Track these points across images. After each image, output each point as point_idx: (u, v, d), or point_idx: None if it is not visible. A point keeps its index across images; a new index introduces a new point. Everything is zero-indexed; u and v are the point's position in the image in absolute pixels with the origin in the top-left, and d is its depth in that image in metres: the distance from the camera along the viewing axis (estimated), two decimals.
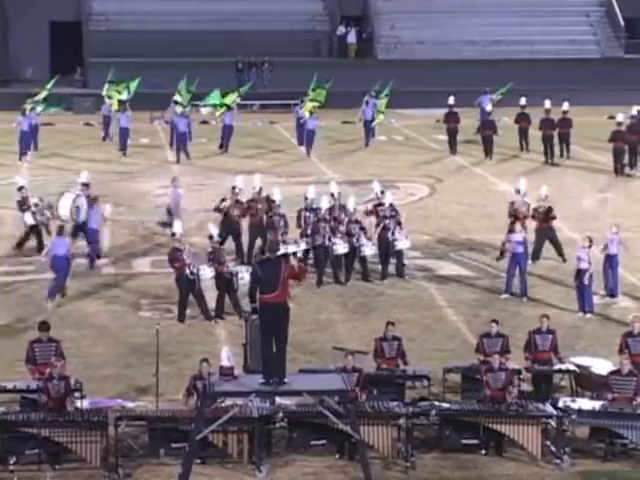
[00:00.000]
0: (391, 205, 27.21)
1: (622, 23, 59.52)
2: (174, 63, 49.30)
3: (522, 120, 40.46)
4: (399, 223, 26.80)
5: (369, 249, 26.47)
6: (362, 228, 26.55)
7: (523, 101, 41.00)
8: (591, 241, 24.46)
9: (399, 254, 26.76)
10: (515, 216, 27.07)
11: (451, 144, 40.67)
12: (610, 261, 24.84)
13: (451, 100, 40.95)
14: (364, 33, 59.23)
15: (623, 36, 59.37)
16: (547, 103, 39.57)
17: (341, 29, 59.20)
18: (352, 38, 58.98)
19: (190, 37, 53.63)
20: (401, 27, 57.53)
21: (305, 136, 40.97)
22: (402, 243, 26.69)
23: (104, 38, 55.14)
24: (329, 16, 59.37)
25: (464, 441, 18.01)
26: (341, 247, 26.21)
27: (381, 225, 26.66)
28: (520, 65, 49.89)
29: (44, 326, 19.69)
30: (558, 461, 17.61)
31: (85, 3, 57.82)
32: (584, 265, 24.16)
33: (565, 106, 39.66)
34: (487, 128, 40.14)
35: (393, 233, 26.50)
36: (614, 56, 57.75)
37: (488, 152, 39.75)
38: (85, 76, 53.97)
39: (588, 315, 24.04)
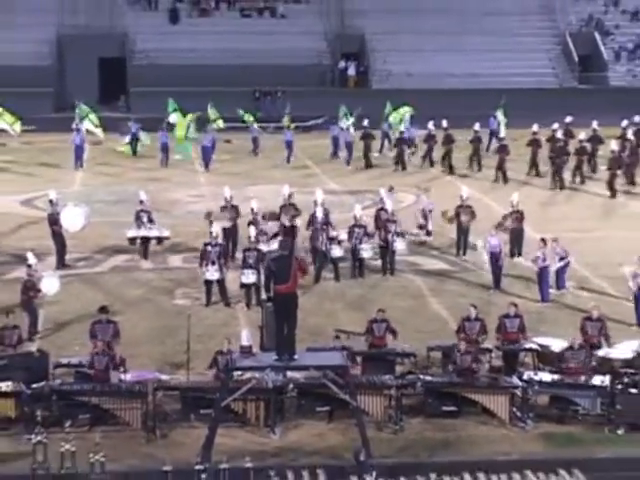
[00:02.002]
0: (392, 211, 27.01)
1: (576, 59, 59.59)
2: (202, 92, 49.24)
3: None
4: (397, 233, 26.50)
5: (367, 252, 26.22)
6: (367, 233, 26.25)
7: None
8: (545, 242, 24.54)
9: (393, 253, 26.50)
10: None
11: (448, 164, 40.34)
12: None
13: (444, 123, 40.87)
14: (361, 67, 59.21)
15: (577, 70, 59.44)
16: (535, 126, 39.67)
17: (342, 63, 59.19)
18: (352, 71, 58.99)
19: (215, 70, 53.66)
20: (392, 62, 57.52)
21: (346, 147, 41.46)
22: (399, 244, 26.45)
23: (144, 71, 55.18)
24: (331, 53, 59.37)
25: (444, 408, 18.04)
26: (337, 251, 25.94)
27: (383, 228, 26.41)
28: (492, 94, 49.72)
29: (104, 310, 19.82)
30: (523, 424, 17.65)
31: (129, 42, 57.87)
32: (543, 263, 24.25)
33: (476, 126, 39.52)
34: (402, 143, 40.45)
35: (393, 235, 26.22)
36: (569, 86, 57.73)
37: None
38: (128, 103, 54.04)
39: (546, 304, 24.08)
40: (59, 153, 42.10)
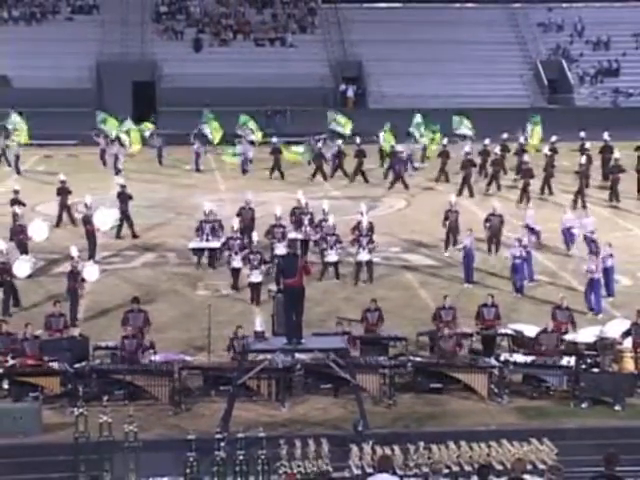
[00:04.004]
0: (370, 224, 25.88)
1: (546, 83, 59.50)
2: (222, 111, 49.21)
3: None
4: (371, 241, 25.29)
5: (332, 257, 25.15)
6: (338, 240, 25.28)
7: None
8: (520, 241, 24.45)
9: (365, 263, 25.11)
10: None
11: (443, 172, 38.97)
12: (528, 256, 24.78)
13: (445, 141, 40.11)
14: (359, 89, 59.11)
15: (546, 92, 59.33)
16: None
17: (342, 86, 59.05)
18: (350, 93, 58.86)
19: (233, 92, 53.52)
20: (386, 85, 57.38)
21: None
22: (363, 256, 25.11)
23: (171, 93, 55.06)
24: (333, 77, 59.27)
25: (431, 385, 18.03)
26: (280, 249, 24.69)
27: (356, 240, 25.32)
28: (471, 113, 49.64)
29: (135, 300, 19.83)
30: (499, 399, 17.63)
31: (158, 68, 57.83)
32: (517, 261, 24.11)
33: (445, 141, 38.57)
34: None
35: (361, 248, 25.04)
36: (540, 106, 57.49)
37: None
38: (157, 120, 53.91)
39: (519, 295, 23.96)
40: (99, 164, 42.01)
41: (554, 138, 39.24)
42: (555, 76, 59.84)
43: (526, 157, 36.21)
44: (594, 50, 61.59)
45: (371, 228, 26.02)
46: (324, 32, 61.55)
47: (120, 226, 29.52)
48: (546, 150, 37.49)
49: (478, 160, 37.81)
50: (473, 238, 25.22)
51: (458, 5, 63.86)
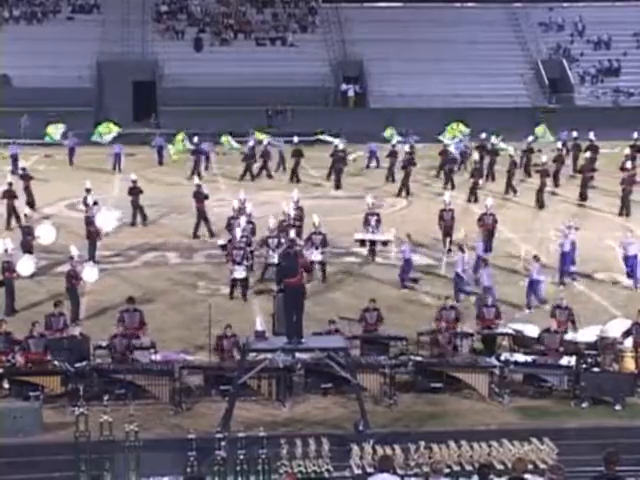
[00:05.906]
0: (323, 237, 25.37)
1: (546, 82, 59.51)
2: (222, 111, 49.27)
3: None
4: (325, 242, 25.19)
5: (275, 259, 24.23)
6: (280, 243, 24.74)
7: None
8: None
9: (318, 263, 24.91)
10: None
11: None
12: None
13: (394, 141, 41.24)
14: (360, 89, 59.12)
15: (547, 91, 59.34)
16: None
17: (343, 86, 59.06)
18: (351, 92, 58.88)
19: (234, 91, 53.52)
20: (387, 84, 57.36)
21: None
22: (315, 256, 24.79)
23: (172, 93, 55.09)
24: (334, 76, 59.27)
25: (432, 385, 18.02)
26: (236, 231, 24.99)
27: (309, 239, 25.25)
28: (472, 112, 49.65)
29: (131, 300, 19.79)
30: (500, 399, 17.61)
31: (158, 67, 57.81)
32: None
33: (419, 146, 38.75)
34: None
35: (316, 247, 24.93)
36: (540, 105, 57.57)
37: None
38: (158, 120, 53.98)
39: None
40: (100, 163, 42.02)
41: (530, 138, 39.43)
42: (556, 75, 59.87)
43: (476, 155, 36.35)
44: (595, 50, 61.60)
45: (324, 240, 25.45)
46: (325, 31, 61.57)
47: (208, 225, 29.59)
48: (511, 150, 37.52)
49: (487, 160, 38.00)
50: (409, 245, 25.09)
51: (459, 5, 63.90)
